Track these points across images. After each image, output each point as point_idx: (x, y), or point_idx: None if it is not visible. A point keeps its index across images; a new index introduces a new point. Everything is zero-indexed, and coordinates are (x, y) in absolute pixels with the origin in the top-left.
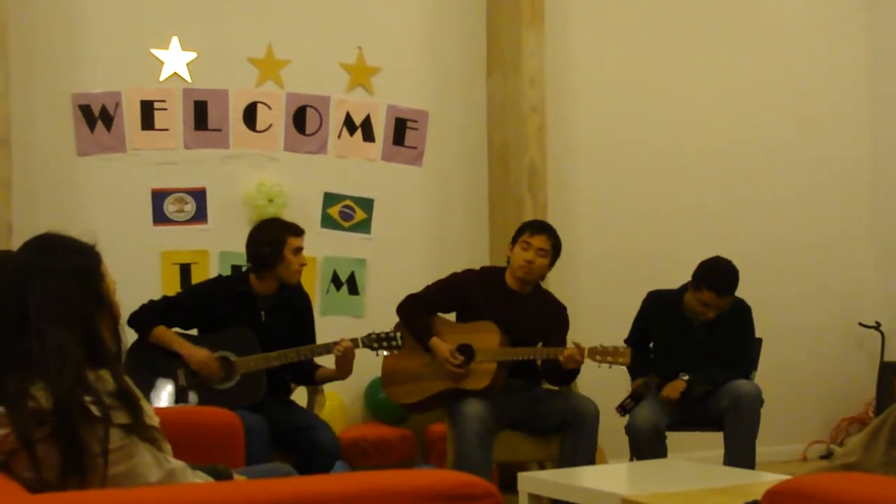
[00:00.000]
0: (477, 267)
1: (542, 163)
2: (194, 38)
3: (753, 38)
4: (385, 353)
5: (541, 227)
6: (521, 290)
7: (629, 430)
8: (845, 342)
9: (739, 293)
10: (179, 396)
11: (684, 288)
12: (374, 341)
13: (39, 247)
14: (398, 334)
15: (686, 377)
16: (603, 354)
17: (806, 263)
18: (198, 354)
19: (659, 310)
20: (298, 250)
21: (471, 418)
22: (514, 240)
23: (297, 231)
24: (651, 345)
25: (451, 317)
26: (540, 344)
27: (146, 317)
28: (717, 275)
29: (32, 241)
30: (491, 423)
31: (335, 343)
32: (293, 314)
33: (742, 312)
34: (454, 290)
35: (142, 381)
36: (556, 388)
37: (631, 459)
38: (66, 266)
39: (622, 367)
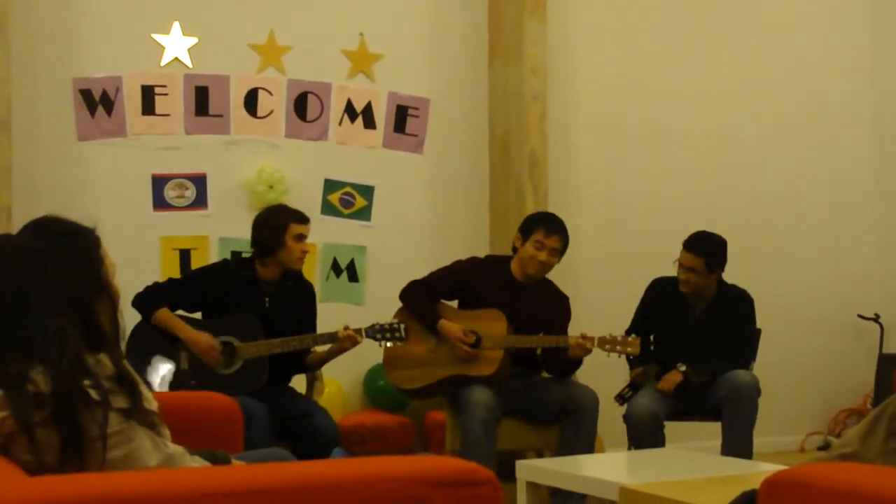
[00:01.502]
0: (477, 255)
1: (543, 151)
2: (196, 24)
3: (757, 29)
4: (388, 344)
5: (555, 227)
6: (525, 280)
7: (627, 418)
8: (844, 334)
9: (740, 283)
10: (180, 379)
11: None
12: (377, 332)
13: (38, 230)
14: (402, 325)
15: (683, 368)
16: (612, 344)
17: (806, 255)
18: (200, 340)
19: (662, 296)
20: (301, 237)
21: (478, 405)
22: (526, 234)
23: (301, 218)
24: (652, 336)
25: (453, 305)
26: (541, 333)
27: (150, 298)
28: (693, 234)
29: (31, 225)
30: (497, 410)
31: (338, 332)
32: (297, 302)
33: (744, 303)
34: (458, 278)
35: (143, 363)
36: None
37: (629, 448)
38: (65, 249)
39: (622, 357)
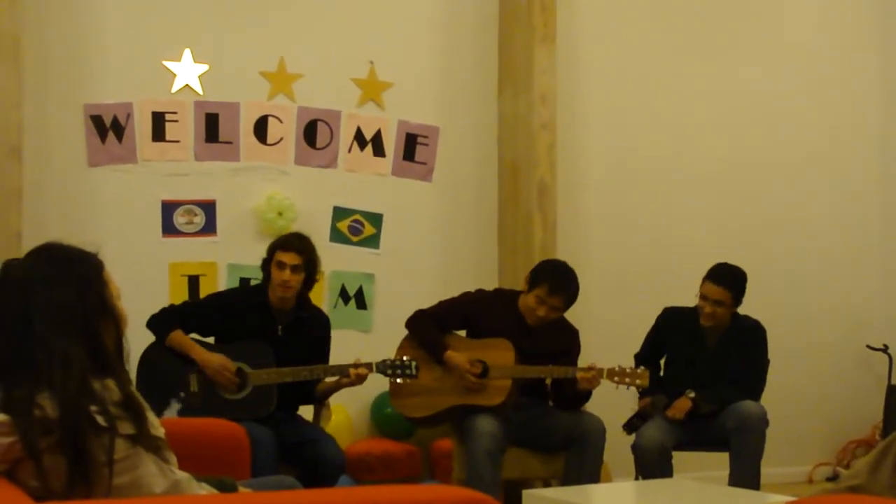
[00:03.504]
0: (485, 284)
1: (552, 180)
2: (207, 51)
3: (765, 55)
4: (399, 380)
5: (560, 287)
6: None
7: (635, 448)
8: (853, 364)
9: (749, 312)
10: (189, 402)
11: None
12: (388, 368)
13: (41, 256)
14: (413, 363)
15: (692, 394)
16: (621, 376)
17: (814, 285)
18: (213, 361)
19: (673, 326)
20: (282, 265)
21: (483, 435)
22: (532, 284)
23: (286, 246)
24: (662, 362)
25: (461, 334)
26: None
27: (165, 320)
28: (716, 266)
29: (35, 251)
30: (502, 440)
31: (349, 365)
32: (309, 334)
33: (756, 333)
34: (464, 310)
35: (152, 386)
36: None
37: (636, 478)
38: (68, 274)
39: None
